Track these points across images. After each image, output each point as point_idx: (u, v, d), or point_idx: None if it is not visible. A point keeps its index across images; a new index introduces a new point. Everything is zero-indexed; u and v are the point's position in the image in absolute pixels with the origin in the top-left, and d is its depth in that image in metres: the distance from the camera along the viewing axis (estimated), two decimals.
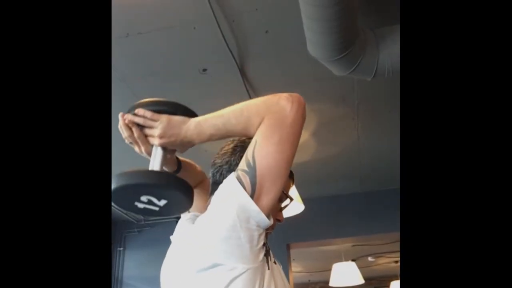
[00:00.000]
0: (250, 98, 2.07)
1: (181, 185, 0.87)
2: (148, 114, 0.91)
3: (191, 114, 0.94)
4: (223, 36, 1.72)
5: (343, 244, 4.21)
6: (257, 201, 0.79)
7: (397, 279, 5.47)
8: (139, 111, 0.91)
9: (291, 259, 3.72)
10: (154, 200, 0.86)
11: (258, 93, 2.09)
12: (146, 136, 0.92)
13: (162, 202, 0.87)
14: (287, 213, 1.03)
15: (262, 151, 0.81)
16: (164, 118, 0.90)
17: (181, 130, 0.90)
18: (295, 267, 5.41)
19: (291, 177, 1.01)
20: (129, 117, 0.91)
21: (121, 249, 3.51)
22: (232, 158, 0.95)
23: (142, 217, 3.45)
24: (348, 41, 1.44)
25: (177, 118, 0.91)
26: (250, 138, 0.86)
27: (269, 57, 1.88)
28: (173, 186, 0.86)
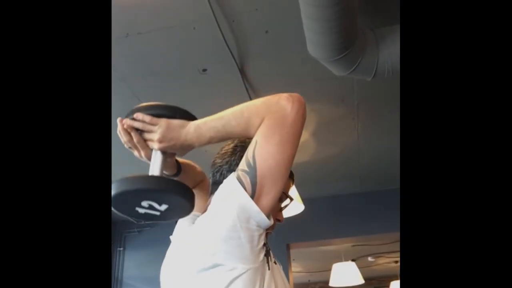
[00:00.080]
0: (250, 98, 2.08)
1: (182, 190, 0.87)
2: (147, 118, 0.90)
3: (191, 117, 0.93)
4: (223, 36, 1.72)
5: (343, 244, 4.21)
6: (257, 201, 0.79)
7: (397, 279, 5.47)
8: (138, 115, 0.90)
9: (291, 259, 3.72)
10: (155, 205, 0.86)
11: (258, 93, 2.09)
12: (145, 140, 0.92)
13: (163, 207, 0.87)
14: (287, 213, 1.03)
15: (263, 151, 0.81)
16: (163, 122, 0.89)
17: (181, 134, 0.89)
18: (295, 267, 5.42)
19: (291, 177, 1.01)
20: (128, 122, 0.91)
21: (121, 249, 3.51)
22: (232, 158, 0.95)
23: None
24: (348, 41, 1.44)
25: (176, 122, 0.90)
26: (251, 138, 0.86)
27: (269, 57, 1.88)
28: (174, 191, 0.86)
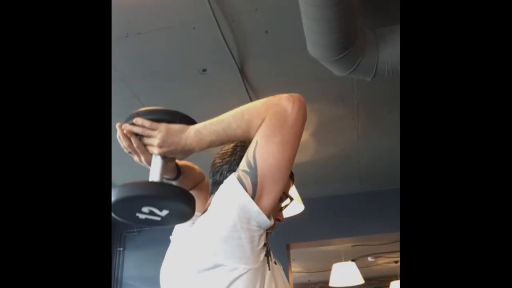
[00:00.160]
0: (250, 98, 2.08)
1: (183, 196, 0.87)
2: (147, 123, 0.89)
3: (190, 121, 0.93)
4: (223, 36, 1.72)
5: (343, 244, 4.21)
6: (258, 202, 0.79)
7: (397, 279, 5.47)
8: (137, 120, 0.90)
9: (291, 259, 3.72)
10: (156, 210, 0.86)
11: (257, 93, 2.09)
12: (145, 145, 0.91)
13: (164, 213, 0.87)
14: (287, 213, 1.02)
15: (263, 152, 0.81)
16: (162, 127, 0.89)
17: (181, 139, 0.89)
18: (295, 267, 5.42)
19: (291, 177, 1.01)
20: (127, 127, 0.90)
21: (121, 249, 3.51)
22: (232, 158, 0.95)
23: None
24: (348, 41, 1.44)
25: (176, 127, 0.90)
26: (251, 140, 0.85)
27: (269, 57, 1.88)
28: (175, 197, 0.85)
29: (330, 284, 4.52)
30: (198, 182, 1.10)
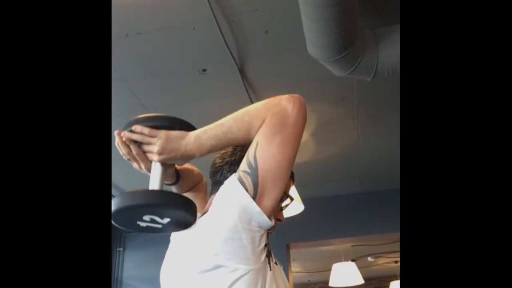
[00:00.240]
0: (250, 98, 2.08)
1: (184, 204, 0.87)
2: (146, 130, 0.88)
3: (190, 127, 0.92)
4: (223, 36, 1.72)
5: (343, 244, 4.21)
6: (259, 202, 0.79)
7: (397, 279, 5.47)
8: (136, 127, 0.89)
9: (291, 259, 3.72)
10: (157, 219, 0.86)
11: (257, 93, 2.09)
12: (144, 152, 0.91)
13: (165, 220, 0.87)
14: (287, 213, 1.02)
15: (264, 152, 0.81)
16: (162, 133, 0.88)
17: (180, 145, 0.88)
18: (294, 267, 5.41)
19: (291, 177, 1.01)
20: (126, 134, 0.89)
21: (121, 249, 3.51)
22: (233, 158, 0.95)
23: None
24: (347, 41, 1.44)
25: (175, 133, 0.89)
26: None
27: (268, 57, 1.88)
28: (175, 205, 0.85)
29: (330, 284, 4.52)
30: (197, 183, 1.10)
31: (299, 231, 3.14)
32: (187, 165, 1.04)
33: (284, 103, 0.83)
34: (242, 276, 0.77)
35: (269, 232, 0.88)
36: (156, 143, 0.88)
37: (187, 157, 0.90)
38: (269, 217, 0.81)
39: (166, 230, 0.91)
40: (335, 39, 1.40)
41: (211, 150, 0.89)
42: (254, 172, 0.81)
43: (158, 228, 0.89)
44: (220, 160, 0.97)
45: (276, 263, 0.90)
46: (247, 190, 0.80)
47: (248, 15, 1.65)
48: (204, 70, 1.94)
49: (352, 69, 1.56)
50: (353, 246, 4.38)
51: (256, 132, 0.83)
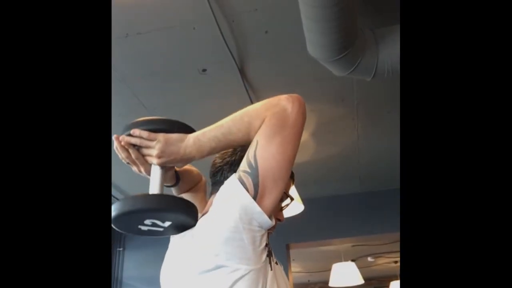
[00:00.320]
0: (250, 98, 2.08)
1: (184, 207, 0.87)
2: (144, 134, 0.88)
3: (189, 130, 0.92)
4: (223, 36, 1.72)
5: (343, 244, 4.21)
6: (259, 202, 0.79)
7: (397, 279, 5.47)
8: (135, 131, 0.89)
9: (291, 259, 3.72)
10: (158, 222, 0.86)
11: (257, 93, 2.09)
12: (144, 156, 0.91)
13: (167, 224, 0.87)
14: (287, 213, 1.02)
15: (264, 152, 0.81)
16: (161, 137, 0.88)
17: (180, 148, 0.88)
18: (294, 267, 5.41)
19: (291, 176, 1.01)
20: (125, 138, 0.89)
21: (121, 249, 3.51)
22: (233, 158, 0.95)
23: None
24: (347, 41, 1.44)
25: (174, 136, 0.89)
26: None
27: (268, 57, 1.88)
28: (176, 209, 0.86)
29: (330, 284, 4.52)
30: (196, 183, 1.10)
31: (299, 231, 3.14)
32: (186, 166, 1.04)
33: (283, 102, 0.83)
34: (243, 276, 0.77)
35: (270, 232, 0.88)
36: (155, 146, 0.88)
37: (187, 160, 0.90)
38: (270, 217, 0.81)
39: (167, 233, 0.91)
40: (335, 39, 1.40)
41: (211, 152, 0.89)
42: (254, 172, 0.81)
43: (159, 231, 0.89)
44: (220, 160, 0.97)
45: (276, 263, 0.90)
46: (247, 190, 0.80)
47: (248, 15, 1.65)
48: (204, 70, 1.94)
49: (352, 69, 1.56)
50: (353, 246, 4.38)
51: (256, 133, 0.83)
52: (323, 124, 2.42)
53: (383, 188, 3.25)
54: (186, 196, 1.07)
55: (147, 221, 0.86)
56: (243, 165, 0.83)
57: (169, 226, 0.88)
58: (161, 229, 0.89)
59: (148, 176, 0.92)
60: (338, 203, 3.35)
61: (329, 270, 4.59)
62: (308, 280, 6.46)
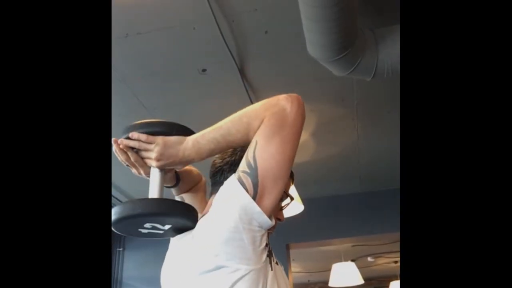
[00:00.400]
0: (250, 98, 2.08)
1: (184, 211, 0.87)
2: (143, 137, 0.88)
3: (188, 132, 0.92)
4: (223, 37, 1.72)
5: (343, 245, 4.21)
6: (259, 202, 0.79)
7: (397, 279, 5.47)
8: (133, 134, 0.89)
9: (291, 259, 3.71)
10: (158, 225, 0.87)
11: (257, 94, 2.09)
12: (143, 158, 0.91)
13: (167, 227, 0.87)
14: (286, 213, 1.03)
15: (263, 152, 0.81)
16: (159, 140, 0.88)
17: (179, 151, 0.88)
18: (294, 268, 5.41)
19: (291, 176, 1.01)
20: (123, 142, 0.89)
21: (121, 249, 3.51)
22: (233, 158, 0.95)
23: None
24: (347, 41, 1.44)
25: (173, 139, 0.89)
26: None
27: (268, 58, 1.88)
28: (176, 213, 0.86)
29: (330, 284, 4.52)
30: (196, 184, 1.10)
31: (299, 231, 3.14)
32: (186, 167, 1.04)
33: (282, 102, 0.83)
34: (243, 276, 0.77)
35: (270, 232, 0.88)
36: (154, 149, 0.88)
37: (186, 162, 0.90)
38: (270, 217, 0.81)
39: (167, 235, 0.92)
40: (335, 39, 1.40)
41: (211, 154, 0.89)
42: (253, 172, 0.81)
43: (159, 233, 0.90)
44: (220, 161, 0.97)
45: (277, 263, 0.90)
46: (247, 191, 0.80)
47: (248, 15, 1.65)
48: (204, 70, 1.94)
49: (352, 69, 1.56)
50: (353, 246, 4.38)
51: (255, 133, 0.83)
52: (323, 124, 2.42)
53: (383, 188, 3.25)
54: (186, 196, 1.07)
55: (147, 225, 0.86)
56: (243, 166, 0.83)
57: (169, 229, 0.88)
58: (161, 232, 0.89)
59: (147, 178, 0.92)
60: (338, 203, 3.35)
61: (329, 270, 4.59)
62: (308, 280, 6.45)
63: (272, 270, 0.84)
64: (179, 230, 0.90)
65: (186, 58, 1.86)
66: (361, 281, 4.44)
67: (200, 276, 0.80)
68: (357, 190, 3.35)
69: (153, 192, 0.90)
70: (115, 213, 0.84)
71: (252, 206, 0.79)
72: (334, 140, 2.61)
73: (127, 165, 0.93)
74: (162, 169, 0.91)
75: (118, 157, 0.91)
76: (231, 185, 0.82)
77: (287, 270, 3.23)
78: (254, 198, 0.79)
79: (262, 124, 0.83)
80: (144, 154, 0.90)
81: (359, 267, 4.55)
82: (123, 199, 3.12)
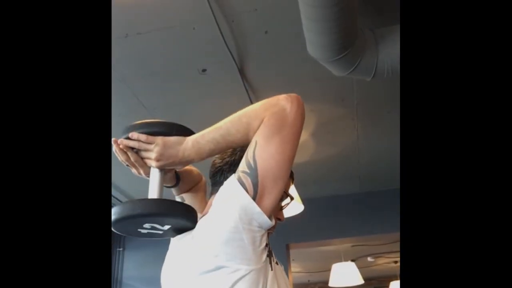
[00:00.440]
0: (250, 98, 2.08)
1: (183, 211, 0.87)
2: (143, 137, 0.88)
3: (188, 132, 0.92)
4: (223, 37, 1.72)
5: (343, 245, 4.20)
6: (259, 202, 0.79)
7: (396, 279, 5.47)
8: (133, 134, 0.89)
9: (291, 259, 3.71)
10: (158, 226, 0.87)
11: (257, 94, 2.09)
12: (143, 158, 0.91)
13: (166, 227, 0.87)
14: (286, 213, 1.03)
15: (263, 152, 0.81)
16: (159, 140, 0.88)
17: (178, 151, 0.88)
18: (294, 268, 5.41)
19: (291, 176, 1.01)
20: (123, 142, 0.89)
21: (121, 249, 3.51)
22: (233, 158, 0.95)
23: None
24: (347, 41, 1.44)
25: (172, 139, 0.89)
26: None
27: (268, 58, 1.88)
28: (175, 213, 0.86)
29: (330, 284, 4.52)
30: (196, 184, 1.10)
31: (299, 231, 3.14)
32: (186, 167, 1.05)
33: (282, 102, 0.83)
34: (243, 276, 0.77)
35: (270, 232, 0.88)
36: (154, 149, 0.88)
37: (186, 163, 0.90)
38: (270, 217, 0.81)
39: (167, 236, 0.92)
40: (335, 39, 1.40)
41: (210, 154, 0.89)
42: (253, 172, 0.81)
43: (159, 233, 0.90)
44: (220, 161, 0.97)
45: (277, 263, 0.90)
46: (247, 191, 0.80)
47: (248, 15, 1.65)
48: (204, 70, 1.94)
49: (352, 69, 1.56)
50: (353, 246, 4.38)
51: (255, 133, 0.83)
52: (322, 124, 2.41)
53: (383, 188, 3.25)
54: (186, 196, 1.07)
55: (147, 225, 0.86)
56: (242, 166, 0.83)
57: (169, 229, 0.88)
58: (161, 232, 0.89)
59: (147, 178, 0.92)
60: (338, 203, 3.35)
61: (329, 270, 4.59)
62: (308, 280, 6.45)
63: (272, 270, 0.84)
64: (178, 230, 0.90)
65: (186, 58, 1.86)
66: (361, 281, 4.44)
67: (200, 277, 0.80)
68: (356, 190, 3.35)
69: (153, 192, 0.90)
70: (114, 213, 0.84)
71: (252, 207, 0.79)
72: (334, 140, 2.61)
73: (127, 165, 0.93)
74: (162, 169, 0.91)
75: (118, 157, 0.91)
76: (231, 185, 0.82)
77: (287, 270, 3.23)
78: (254, 198, 0.79)
79: (262, 124, 0.83)
80: (144, 154, 0.90)
81: (359, 267, 4.55)
82: (123, 199, 3.12)
